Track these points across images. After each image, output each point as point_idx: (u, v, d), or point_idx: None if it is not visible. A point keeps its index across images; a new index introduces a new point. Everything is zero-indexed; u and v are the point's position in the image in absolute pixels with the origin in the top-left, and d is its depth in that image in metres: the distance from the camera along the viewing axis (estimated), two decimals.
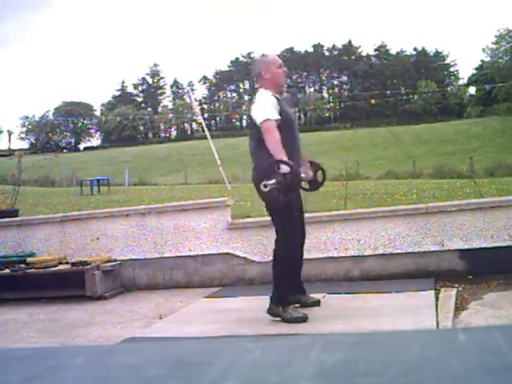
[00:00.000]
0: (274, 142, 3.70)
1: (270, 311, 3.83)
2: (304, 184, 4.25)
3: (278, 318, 3.80)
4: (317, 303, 4.14)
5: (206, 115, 77.70)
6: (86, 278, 5.09)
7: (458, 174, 18.93)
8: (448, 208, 5.05)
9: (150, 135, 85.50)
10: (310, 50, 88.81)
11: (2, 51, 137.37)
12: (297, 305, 3.97)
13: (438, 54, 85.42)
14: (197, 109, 19.19)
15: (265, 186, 3.55)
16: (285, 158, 3.62)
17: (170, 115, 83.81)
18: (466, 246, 4.91)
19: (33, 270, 5.26)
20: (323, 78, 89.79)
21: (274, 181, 3.55)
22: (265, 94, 3.95)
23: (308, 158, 4.33)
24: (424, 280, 4.76)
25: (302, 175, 4.03)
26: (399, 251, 5.03)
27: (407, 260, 5.02)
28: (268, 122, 3.75)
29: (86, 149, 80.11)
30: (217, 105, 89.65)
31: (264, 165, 3.74)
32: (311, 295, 4.22)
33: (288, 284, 3.91)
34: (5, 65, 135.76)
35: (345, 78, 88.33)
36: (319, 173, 4.45)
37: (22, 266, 5.35)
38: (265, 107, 3.84)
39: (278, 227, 3.97)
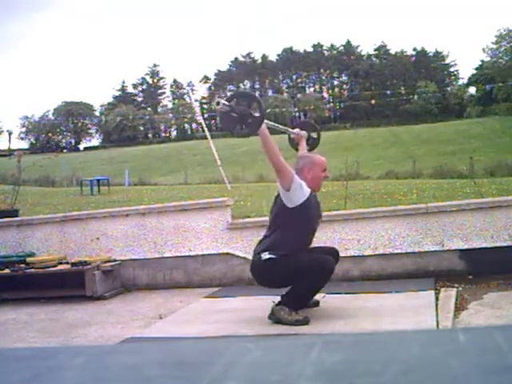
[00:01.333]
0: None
1: (272, 316, 3.80)
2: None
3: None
4: (315, 304, 4.12)
5: (206, 115, 77.66)
6: (86, 278, 5.09)
7: (458, 174, 18.92)
8: (448, 208, 5.05)
9: (150, 135, 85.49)
10: (310, 50, 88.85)
11: (2, 53, 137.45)
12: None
13: (437, 54, 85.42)
14: (197, 109, 19.19)
15: (218, 103, 3.42)
16: (270, 140, 3.60)
17: (170, 115, 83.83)
18: (466, 246, 4.91)
19: (33, 270, 5.26)
20: (323, 78, 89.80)
21: (238, 106, 3.47)
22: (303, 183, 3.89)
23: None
24: (424, 280, 4.76)
25: (294, 131, 4.39)
26: (399, 251, 5.03)
27: (407, 260, 5.02)
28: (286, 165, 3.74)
29: (86, 149, 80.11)
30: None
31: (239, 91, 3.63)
32: None
33: (308, 298, 3.92)
34: (5, 65, 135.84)
35: (345, 78, 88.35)
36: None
37: (22, 265, 5.35)
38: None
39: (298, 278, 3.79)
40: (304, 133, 4.67)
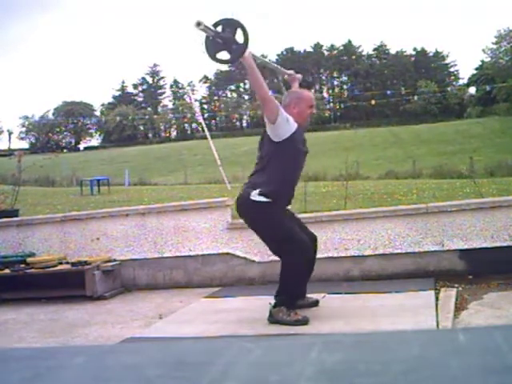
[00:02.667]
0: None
1: (271, 318, 3.80)
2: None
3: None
4: (315, 303, 4.11)
5: (206, 115, 77.64)
6: (86, 278, 5.09)
7: (458, 174, 18.90)
8: (448, 208, 5.05)
9: (150, 135, 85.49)
10: (310, 50, 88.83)
11: (3, 54, 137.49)
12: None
13: (437, 54, 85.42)
14: (197, 109, 19.18)
15: (199, 23, 3.30)
16: (255, 70, 3.54)
17: (170, 115, 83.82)
18: (465, 246, 4.91)
19: (33, 270, 5.26)
20: (323, 78, 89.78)
21: (222, 33, 3.42)
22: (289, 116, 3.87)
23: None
24: (424, 280, 4.76)
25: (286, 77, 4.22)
26: (399, 251, 5.03)
27: (407, 260, 5.02)
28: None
29: (86, 149, 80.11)
30: (217, 104, 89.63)
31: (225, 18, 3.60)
32: (310, 295, 4.21)
33: (300, 284, 3.90)
34: (5, 65, 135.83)
35: (345, 78, 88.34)
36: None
37: (22, 266, 5.35)
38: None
39: (275, 250, 3.88)
40: (299, 75, 4.50)
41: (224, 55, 3.54)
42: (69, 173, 27.60)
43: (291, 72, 4.49)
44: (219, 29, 3.49)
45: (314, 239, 4.08)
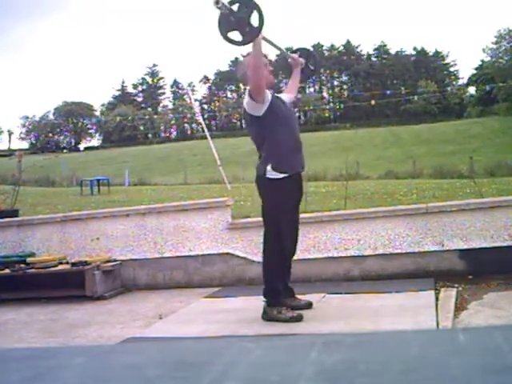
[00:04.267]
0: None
1: (265, 316, 3.82)
2: (295, 70, 4.28)
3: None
4: (309, 305, 4.07)
5: (205, 115, 77.64)
6: (86, 278, 5.09)
7: (458, 174, 18.92)
8: (448, 208, 5.05)
9: (150, 135, 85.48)
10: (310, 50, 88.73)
11: (3, 55, 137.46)
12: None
13: (437, 53, 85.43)
14: (197, 109, 19.17)
15: (217, 1, 3.26)
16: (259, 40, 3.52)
17: (170, 115, 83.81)
18: (465, 246, 4.91)
19: (33, 270, 5.26)
20: (323, 78, 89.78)
21: (237, 11, 3.36)
22: None
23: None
24: (424, 280, 4.75)
25: (290, 60, 4.11)
26: (399, 251, 5.03)
27: (407, 260, 5.02)
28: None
29: (86, 149, 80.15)
30: (217, 104, 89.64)
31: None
32: (310, 295, 4.21)
33: (278, 279, 3.89)
34: (6, 65, 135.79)
35: (345, 78, 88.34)
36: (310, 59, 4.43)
37: (22, 266, 5.35)
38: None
39: (269, 225, 3.92)
40: (302, 60, 4.44)
41: (236, 36, 3.46)
42: (69, 173, 27.59)
43: (295, 56, 4.44)
44: (235, 7, 3.40)
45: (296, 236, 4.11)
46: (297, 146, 3.95)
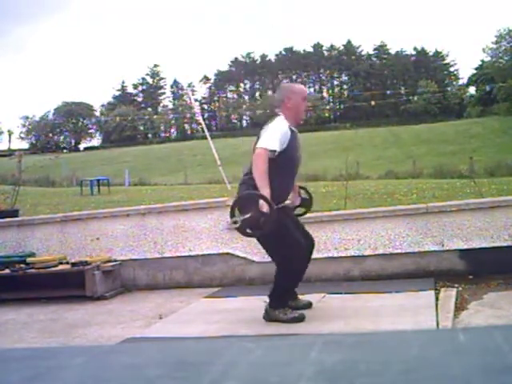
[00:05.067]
0: (261, 170, 3.61)
1: (266, 316, 3.82)
2: (290, 209, 4.21)
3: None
4: (308, 305, 4.08)
5: (205, 115, 77.66)
6: (86, 278, 5.09)
7: (458, 174, 18.90)
8: (448, 208, 5.05)
9: (150, 135, 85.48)
10: (310, 50, 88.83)
11: (3, 55, 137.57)
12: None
13: (437, 53, 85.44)
14: (197, 109, 19.17)
15: (235, 222, 3.43)
16: (267, 195, 3.51)
17: (170, 115, 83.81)
18: (465, 246, 4.91)
19: (33, 270, 5.26)
20: (323, 78, 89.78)
21: (248, 215, 3.45)
22: (282, 124, 3.84)
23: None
24: (424, 280, 4.75)
25: (287, 202, 4.01)
26: (399, 251, 5.03)
27: (407, 260, 5.02)
28: (263, 150, 3.67)
29: (86, 149, 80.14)
30: (217, 104, 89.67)
31: (243, 194, 3.71)
32: (310, 295, 4.21)
33: (291, 286, 3.93)
34: (6, 65, 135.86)
35: (345, 78, 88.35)
36: (306, 199, 4.40)
37: (22, 265, 5.35)
38: (272, 136, 3.73)
39: (272, 253, 3.92)
40: (298, 201, 4.37)
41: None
42: (69, 173, 27.61)
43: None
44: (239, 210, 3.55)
45: (311, 244, 4.08)
46: (291, 185, 3.99)
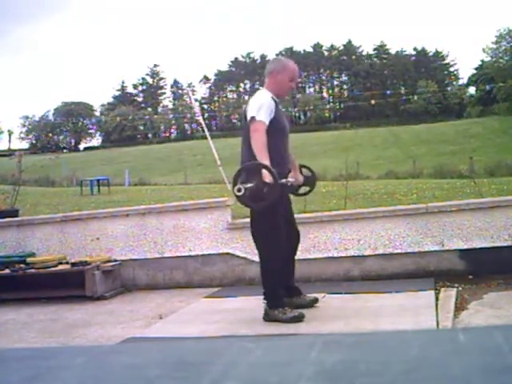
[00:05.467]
0: (260, 143, 3.63)
1: (266, 317, 3.81)
2: (292, 188, 4.17)
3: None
4: (314, 301, 4.09)
5: (205, 115, 77.63)
6: (86, 278, 5.09)
7: (458, 174, 18.91)
8: (448, 208, 5.05)
9: (150, 135, 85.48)
10: (310, 50, 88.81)
11: (3, 55, 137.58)
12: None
13: (437, 53, 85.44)
14: (197, 109, 19.15)
15: (239, 189, 3.39)
16: (269, 165, 3.51)
17: (170, 115, 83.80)
18: (465, 246, 4.91)
19: (33, 270, 5.26)
20: (323, 78, 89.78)
21: (251, 184, 3.42)
22: (265, 95, 3.89)
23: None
24: (424, 280, 4.75)
25: (290, 179, 3.96)
26: (399, 251, 5.03)
27: (407, 260, 5.02)
28: (259, 123, 3.69)
29: (86, 149, 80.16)
30: (217, 104, 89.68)
31: (247, 164, 3.65)
32: (310, 295, 4.21)
33: (277, 284, 3.88)
34: (6, 65, 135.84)
35: (345, 78, 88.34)
36: (309, 176, 4.36)
37: (22, 266, 5.35)
38: (262, 108, 3.76)
39: (256, 228, 3.91)
40: (301, 179, 4.35)
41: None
42: (69, 173, 27.61)
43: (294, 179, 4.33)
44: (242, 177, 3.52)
45: (295, 245, 4.08)
46: (285, 156, 3.94)
